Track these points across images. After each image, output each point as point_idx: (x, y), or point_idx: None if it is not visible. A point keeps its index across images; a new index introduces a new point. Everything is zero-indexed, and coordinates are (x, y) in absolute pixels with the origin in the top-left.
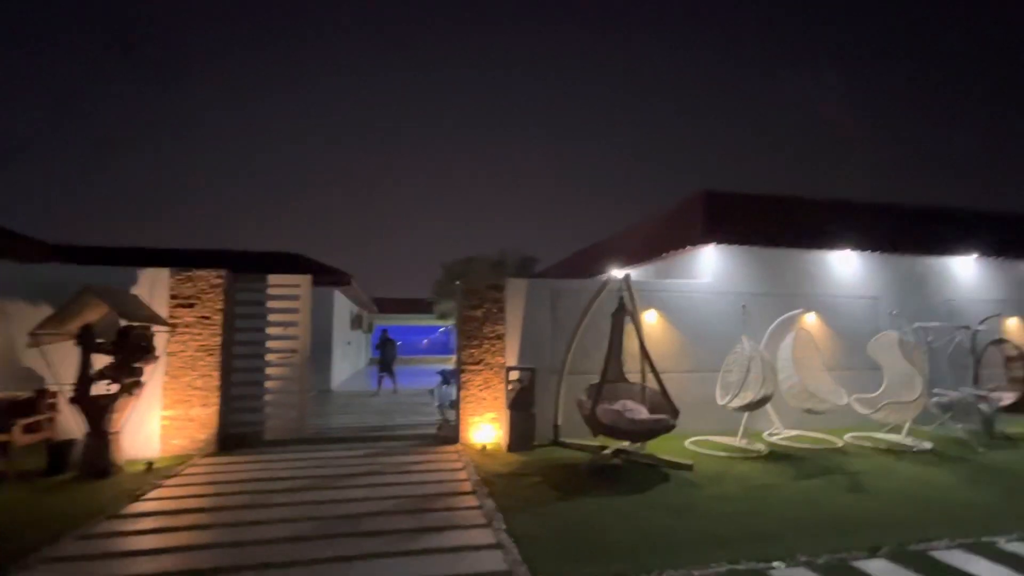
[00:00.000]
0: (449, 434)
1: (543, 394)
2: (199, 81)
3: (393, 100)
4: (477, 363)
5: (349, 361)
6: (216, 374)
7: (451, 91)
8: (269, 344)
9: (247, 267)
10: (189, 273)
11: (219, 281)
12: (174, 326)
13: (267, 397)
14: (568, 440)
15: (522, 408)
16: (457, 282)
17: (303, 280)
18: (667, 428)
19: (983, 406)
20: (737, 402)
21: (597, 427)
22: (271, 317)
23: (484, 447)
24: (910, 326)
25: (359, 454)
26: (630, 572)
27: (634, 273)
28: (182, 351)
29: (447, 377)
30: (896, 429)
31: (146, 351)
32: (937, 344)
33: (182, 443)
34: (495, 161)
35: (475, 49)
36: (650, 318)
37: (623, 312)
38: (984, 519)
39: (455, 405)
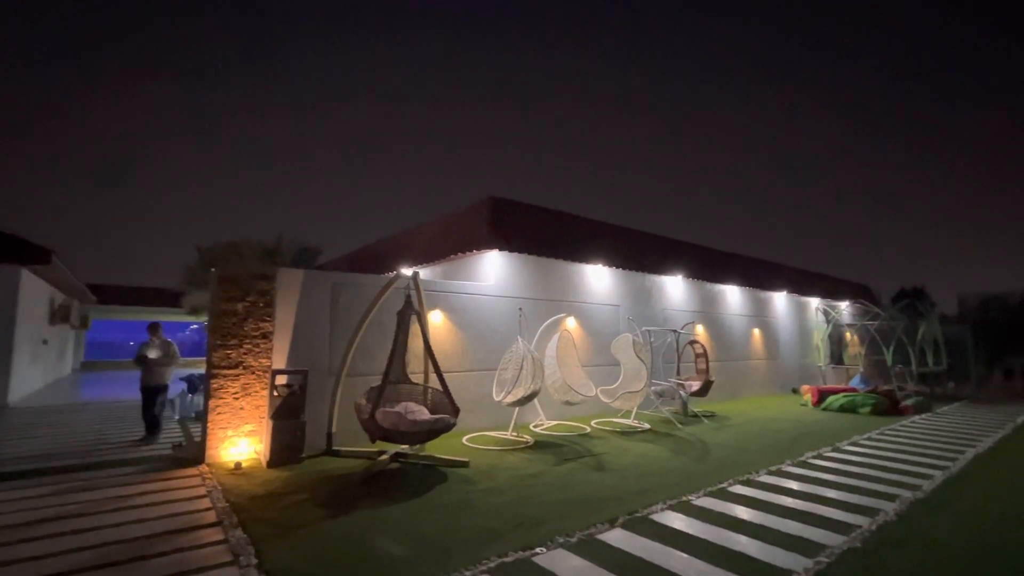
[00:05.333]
0: (190, 454)
1: (317, 400)
2: None
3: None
4: (235, 367)
5: (44, 365)
6: None
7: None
8: None
9: None
10: None
11: None
12: None
13: None
14: (343, 448)
15: (289, 416)
16: (213, 268)
17: None
18: (448, 427)
19: (681, 392)
20: (511, 398)
21: (376, 432)
22: None
23: (238, 465)
24: (640, 329)
25: (43, 493)
26: None
27: (421, 273)
28: None
29: (194, 384)
30: (627, 414)
31: None
32: (656, 344)
33: None
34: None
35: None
36: (435, 318)
37: (410, 311)
38: (683, 482)
39: (202, 417)
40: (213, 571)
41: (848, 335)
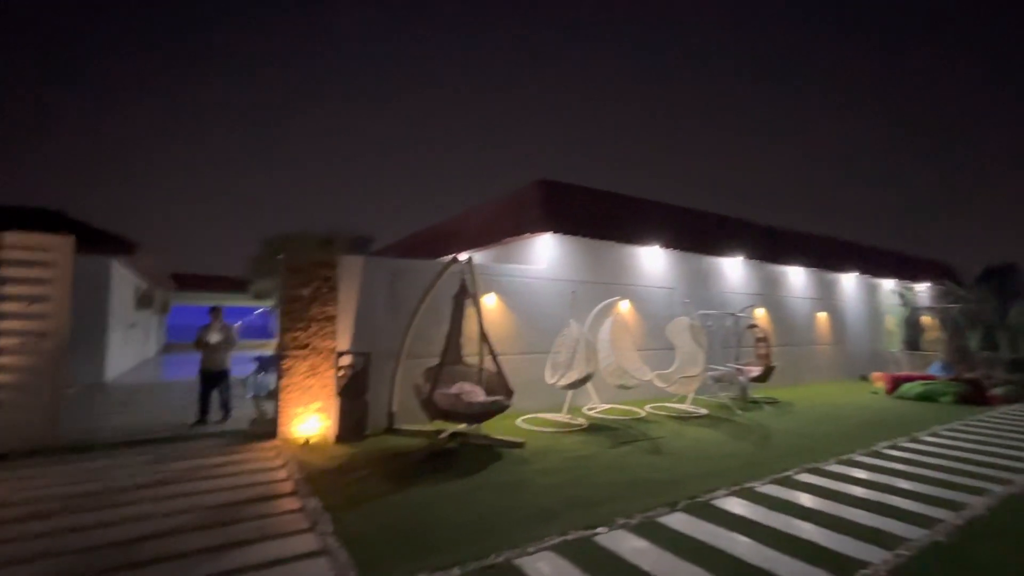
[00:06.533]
0: (265, 429)
1: (377, 380)
2: None
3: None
4: (303, 347)
5: (133, 347)
6: None
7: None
8: (3, 326)
9: None
10: None
11: None
12: None
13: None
14: (403, 427)
15: (354, 395)
16: (280, 256)
17: (59, 242)
18: (502, 408)
19: (741, 378)
20: (564, 381)
21: (434, 412)
22: (7, 290)
23: (308, 440)
24: (697, 312)
25: (142, 461)
26: (468, 559)
27: (474, 258)
28: None
29: (264, 364)
30: (682, 399)
31: None
32: (714, 328)
33: None
34: (328, 136)
35: (313, 21)
36: (489, 302)
37: (465, 295)
38: (744, 468)
39: (274, 395)
40: (294, 537)
41: (926, 319)
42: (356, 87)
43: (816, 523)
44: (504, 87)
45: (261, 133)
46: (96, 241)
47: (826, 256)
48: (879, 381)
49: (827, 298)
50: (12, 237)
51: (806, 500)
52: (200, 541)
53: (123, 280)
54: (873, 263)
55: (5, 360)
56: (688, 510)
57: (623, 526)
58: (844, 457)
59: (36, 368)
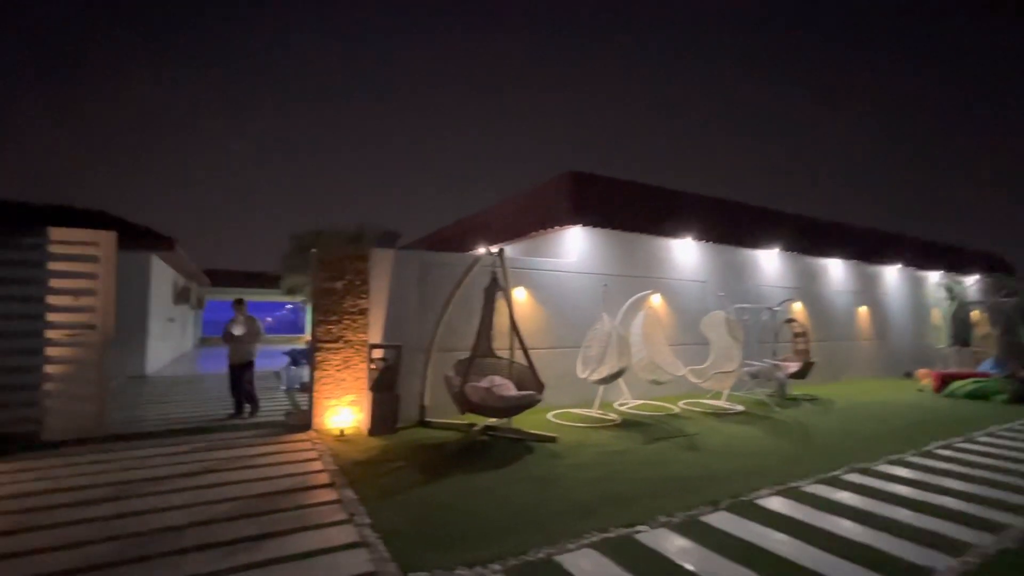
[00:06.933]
0: (300, 421)
1: (408, 373)
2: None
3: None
4: (335, 340)
5: (171, 341)
6: None
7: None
8: (51, 318)
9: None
10: None
11: None
12: None
13: (48, 386)
14: (435, 420)
15: (386, 388)
16: (313, 250)
17: (102, 237)
18: (534, 403)
19: (779, 374)
20: (596, 376)
21: (465, 405)
22: (56, 283)
23: (342, 432)
24: (732, 306)
25: (182, 450)
26: (507, 553)
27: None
28: None
29: (296, 358)
30: (717, 395)
31: None
32: (749, 322)
33: None
34: (353, 132)
35: (336, 16)
36: (518, 295)
37: (496, 287)
38: (787, 466)
39: (307, 388)
40: (331, 528)
41: (976, 313)
42: (380, 82)
43: (870, 526)
44: (527, 81)
45: (289, 129)
46: (136, 237)
47: (868, 248)
48: (926, 378)
49: (868, 291)
50: (59, 232)
51: (857, 501)
52: (240, 530)
53: (162, 276)
54: (918, 254)
55: (55, 351)
56: (731, 509)
57: (665, 524)
58: (894, 457)
59: (84, 359)
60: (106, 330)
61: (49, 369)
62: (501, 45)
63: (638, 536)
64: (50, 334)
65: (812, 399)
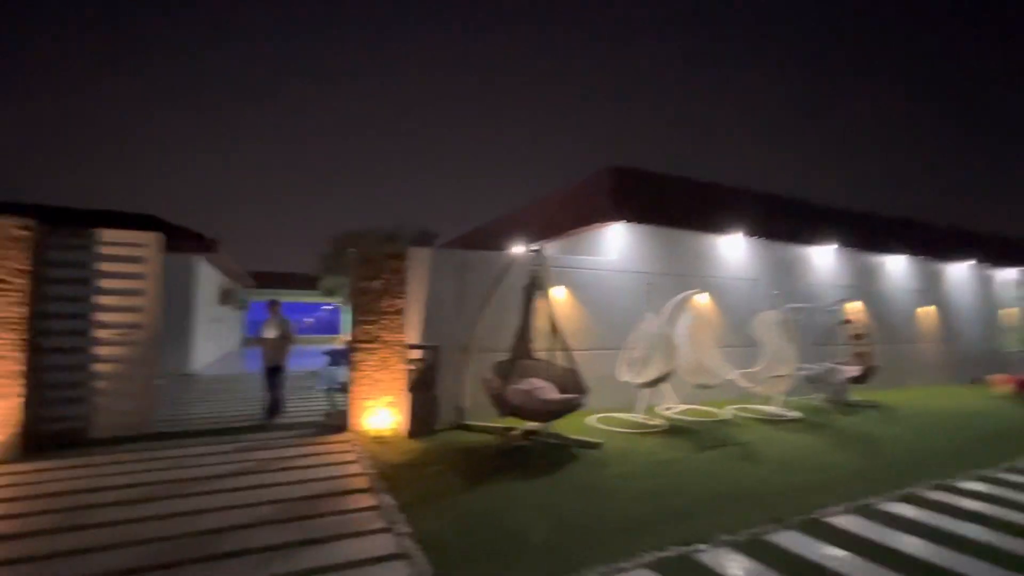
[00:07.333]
0: (338, 421)
1: (446, 374)
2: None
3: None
4: (373, 341)
5: (217, 340)
6: (18, 355)
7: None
8: (101, 318)
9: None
10: None
11: (23, 233)
12: None
13: (98, 384)
14: (473, 423)
15: (424, 389)
16: (351, 249)
17: (150, 238)
18: (578, 407)
19: (838, 378)
20: (641, 379)
21: (506, 408)
22: (105, 283)
23: (380, 434)
24: (785, 306)
25: (225, 450)
26: (557, 572)
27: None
28: None
29: (335, 358)
30: (768, 400)
31: None
32: (803, 323)
33: None
34: (386, 137)
35: (375, 17)
36: (558, 294)
37: (535, 287)
38: (857, 481)
39: (346, 388)
40: (371, 536)
41: None
42: (413, 84)
43: (972, 554)
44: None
45: (326, 132)
46: (181, 239)
47: (932, 243)
48: (1003, 384)
49: (933, 290)
50: (108, 234)
51: (943, 522)
52: (278, 536)
53: (207, 277)
54: (990, 250)
55: (104, 350)
56: (799, 527)
57: (726, 543)
58: (985, 473)
59: (132, 358)
60: (153, 329)
61: (98, 368)
62: (546, 42)
63: (697, 556)
64: (99, 333)
65: (873, 406)
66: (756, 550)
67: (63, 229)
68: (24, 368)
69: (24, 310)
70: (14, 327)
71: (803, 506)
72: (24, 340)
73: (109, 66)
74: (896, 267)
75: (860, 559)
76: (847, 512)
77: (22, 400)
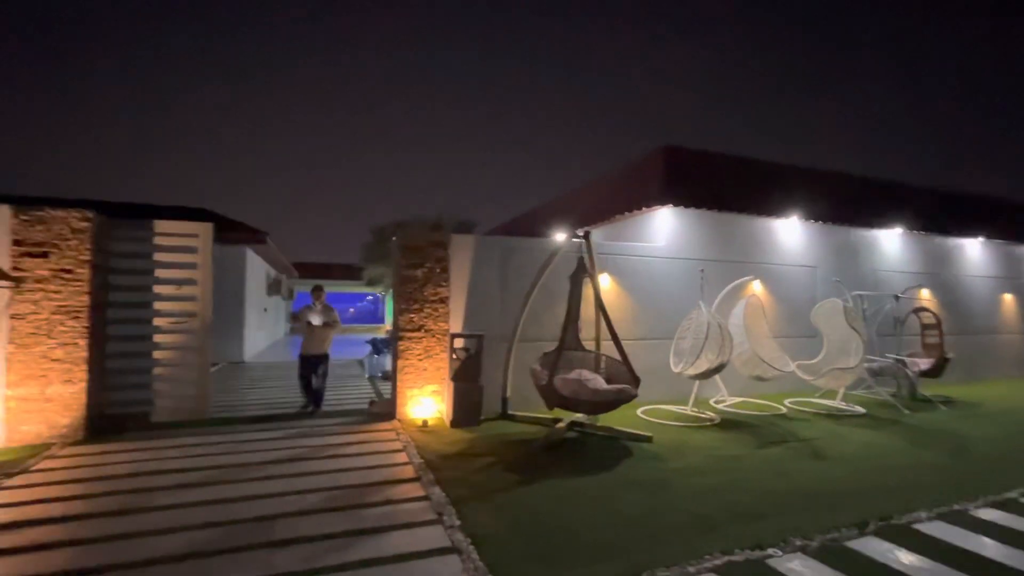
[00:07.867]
0: (384, 409)
1: (490, 364)
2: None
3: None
4: (417, 329)
5: (265, 330)
6: (83, 342)
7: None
8: (158, 306)
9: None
10: (40, 212)
11: (85, 225)
12: (18, 280)
13: (157, 371)
14: (518, 413)
15: (468, 379)
16: (394, 238)
17: (201, 228)
18: (629, 398)
19: (908, 371)
20: (693, 370)
21: (554, 399)
22: (161, 273)
23: (425, 423)
24: (849, 294)
25: (276, 436)
26: (621, 573)
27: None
28: (34, 313)
29: (378, 346)
30: (829, 394)
31: None
32: (869, 312)
33: (36, 429)
34: (425, 126)
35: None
36: (603, 282)
37: (582, 274)
38: (944, 484)
39: (390, 377)
40: (421, 528)
41: None
42: (452, 72)
43: None
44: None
45: (364, 120)
46: (231, 231)
47: (1016, 224)
48: None
49: (1016, 276)
50: (162, 225)
51: None
52: (328, 525)
53: (256, 268)
54: None
55: (162, 338)
56: (883, 534)
57: (801, 548)
58: None
59: (188, 346)
60: (206, 318)
61: (157, 355)
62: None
63: (770, 561)
64: (157, 321)
65: (947, 401)
66: (834, 558)
67: (122, 220)
68: (88, 355)
69: (87, 299)
70: (78, 315)
71: (887, 510)
72: (87, 328)
73: (197, 74)
74: (972, 251)
75: (957, 572)
76: (937, 518)
77: (85, 385)
